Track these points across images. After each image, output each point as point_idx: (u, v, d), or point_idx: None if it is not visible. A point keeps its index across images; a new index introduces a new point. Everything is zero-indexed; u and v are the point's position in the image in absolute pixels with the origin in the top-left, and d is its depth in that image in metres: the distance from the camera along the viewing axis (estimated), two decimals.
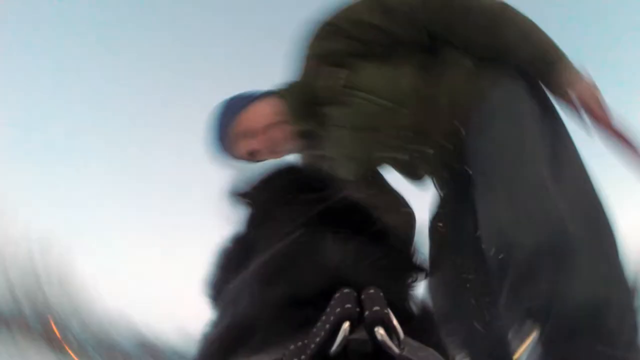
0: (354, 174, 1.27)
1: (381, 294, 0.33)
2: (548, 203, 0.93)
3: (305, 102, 1.19)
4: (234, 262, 0.51)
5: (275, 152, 1.25)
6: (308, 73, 1.20)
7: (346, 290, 0.32)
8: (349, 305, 0.30)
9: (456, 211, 1.25)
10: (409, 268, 0.47)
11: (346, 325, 0.29)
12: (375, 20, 1.11)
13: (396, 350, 0.28)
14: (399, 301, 0.37)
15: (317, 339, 0.29)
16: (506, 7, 1.11)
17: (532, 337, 0.94)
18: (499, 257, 0.93)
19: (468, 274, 1.19)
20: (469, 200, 1.10)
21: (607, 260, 0.92)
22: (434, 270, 1.23)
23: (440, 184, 1.32)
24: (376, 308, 0.30)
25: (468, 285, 1.19)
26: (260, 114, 1.21)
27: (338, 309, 0.30)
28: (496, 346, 1.17)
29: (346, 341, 0.28)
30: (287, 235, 0.46)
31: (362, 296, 0.32)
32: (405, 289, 0.44)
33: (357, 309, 0.31)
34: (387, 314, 0.31)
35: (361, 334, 0.30)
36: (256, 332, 0.35)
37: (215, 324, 0.42)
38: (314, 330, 0.30)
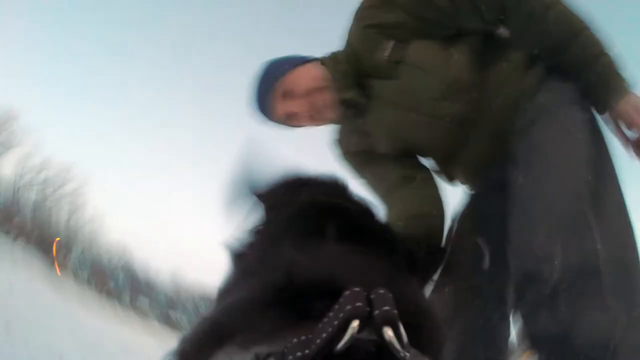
0: (391, 151, 1.24)
1: (390, 295, 0.32)
2: (587, 236, 0.90)
3: (350, 71, 1.17)
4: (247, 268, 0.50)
5: (313, 118, 1.25)
6: (356, 42, 1.17)
7: (357, 289, 0.32)
8: (359, 304, 0.30)
9: (483, 215, 1.20)
10: (413, 272, 0.47)
11: (355, 323, 0.29)
12: None
13: (402, 353, 0.28)
14: (407, 305, 0.36)
15: (324, 335, 0.28)
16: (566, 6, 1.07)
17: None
18: (525, 272, 0.92)
19: (482, 283, 1.16)
20: (500, 205, 1.06)
21: (630, 303, 0.89)
22: (446, 274, 1.18)
23: (472, 182, 1.28)
24: (386, 308, 0.30)
25: (480, 293, 1.16)
26: (303, 77, 1.21)
27: (348, 307, 0.30)
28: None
29: (352, 340, 0.28)
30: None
31: (372, 296, 0.32)
32: (412, 293, 0.43)
33: (368, 309, 0.30)
34: (397, 315, 0.30)
35: (365, 334, 0.30)
36: (253, 318, 0.34)
37: (215, 306, 0.42)
38: (320, 326, 0.29)
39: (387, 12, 1.10)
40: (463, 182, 1.31)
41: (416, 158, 1.29)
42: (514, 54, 1.12)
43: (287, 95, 1.21)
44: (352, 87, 1.18)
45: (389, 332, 0.29)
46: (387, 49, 1.10)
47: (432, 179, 1.27)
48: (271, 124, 1.30)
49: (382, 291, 0.32)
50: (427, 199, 1.20)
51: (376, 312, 0.30)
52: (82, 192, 41.38)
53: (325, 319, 0.30)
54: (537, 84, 1.09)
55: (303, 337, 0.29)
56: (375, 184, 1.30)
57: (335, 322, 0.29)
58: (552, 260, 0.87)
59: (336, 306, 0.30)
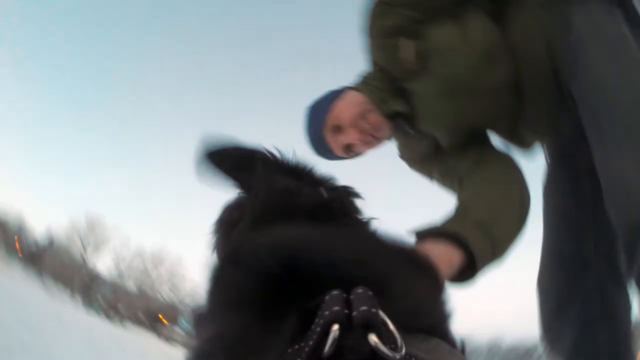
0: (454, 141, 1.23)
1: (370, 292, 0.32)
2: None
3: (383, 85, 1.18)
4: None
5: (368, 143, 1.24)
6: (376, 55, 1.18)
7: (335, 292, 0.32)
8: (336, 308, 0.30)
9: (568, 176, 1.16)
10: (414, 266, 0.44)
11: (335, 327, 0.29)
12: None
13: (390, 354, 0.27)
14: (404, 297, 0.37)
15: (310, 343, 0.29)
16: None
17: None
18: (630, 224, 0.85)
19: (589, 253, 1.10)
20: (583, 159, 1.03)
21: None
22: (547, 250, 1.16)
23: (546, 139, 1.24)
24: (363, 308, 0.30)
25: (589, 266, 1.10)
26: (344, 109, 1.21)
27: (327, 312, 0.30)
28: (618, 341, 1.06)
29: (340, 343, 0.28)
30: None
31: (351, 296, 0.32)
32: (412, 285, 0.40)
33: (346, 311, 0.30)
34: (376, 313, 0.30)
35: (357, 336, 0.29)
36: (253, 331, 0.34)
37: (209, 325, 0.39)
38: (308, 333, 0.30)
39: (390, 16, 1.09)
40: (537, 143, 1.27)
41: (485, 141, 1.26)
42: None
43: (336, 130, 1.21)
44: (391, 99, 1.17)
45: (372, 338, 0.28)
46: (407, 48, 1.09)
47: (504, 157, 1.21)
48: (334, 161, 1.31)
49: (360, 290, 0.32)
50: (493, 181, 1.11)
51: (354, 314, 0.30)
52: (177, 270, 44.43)
53: (312, 326, 0.30)
54: (562, 11, 1.04)
55: (296, 346, 0.29)
56: (446, 182, 1.27)
57: (318, 329, 0.29)
58: None
59: (319, 312, 0.31)
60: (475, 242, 0.87)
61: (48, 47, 75.10)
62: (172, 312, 38.03)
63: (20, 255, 36.14)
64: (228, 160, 0.58)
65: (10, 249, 35.99)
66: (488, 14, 1.09)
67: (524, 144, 1.25)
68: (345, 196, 0.57)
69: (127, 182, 77.31)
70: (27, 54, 71.14)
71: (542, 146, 1.25)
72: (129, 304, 37.54)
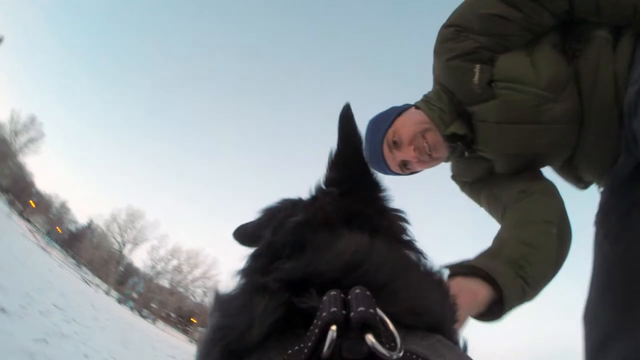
0: (510, 169, 1.23)
1: (368, 292, 0.32)
2: None
3: (446, 106, 1.16)
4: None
5: (424, 162, 1.22)
6: (443, 77, 1.17)
7: (332, 293, 0.32)
8: (334, 309, 0.30)
9: (622, 207, 1.08)
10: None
11: (333, 328, 0.29)
12: (497, 11, 1.06)
13: (388, 354, 0.27)
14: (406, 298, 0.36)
15: (309, 344, 0.29)
16: None
17: None
18: None
19: (638, 285, 1.01)
20: (638, 192, 1.02)
21: None
22: (596, 280, 1.08)
23: (601, 177, 1.20)
24: (361, 309, 0.29)
25: (639, 298, 1.00)
26: (405, 126, 1.20)
27: (324, 313, 0.30)
28: None
29: (338, 344, 0.28)
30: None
31: (349, 297, 0.31)
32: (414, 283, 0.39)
33: (343, 312, 0.30)
34: (374, 314, 0.30)
35: (354, 336, 0.29)
36: (255, 331, 0.33)
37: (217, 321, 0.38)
38: (308, 334, 0.30)
39: (463, 40, 1.08)
40: (593, 180, 1.23)
41: (535, 170, 1.23)
42: (595, 32, 1.05)
43: (394, 145, 1.20)
44: (452, 120, 1.15)
45: (370, 338, 0.28)
46: (475, 73, 1.08)
47: (549, 189, 1.18)
48: (390, 176, 1.29)
49: (357, 290, 0.32)
50: (534, 217, 1.10)
51: (352, 314, 0.29)
52: (212, 274, 43.95)
53: (311, 327, 0.30)
54: (630, 53, 1.02)
55: (296, 347, 0.29)
56: (492, 208, 1.26)
57: (316, 331, 0.29)
58: None
59: (317, 313, 0.30)
60: (505, 280, 0.89)
61: (104, 46, 78.98)
62: (204, 314, 37.10)
63: (61, 243, 36.57)
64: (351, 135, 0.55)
65: (52, 236, 36.67)
66: (558, 48, 1.07)
67: (580, 182, 1.23)
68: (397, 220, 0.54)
69: (172, 182, 79.12)
70: (80, 51, 74.72)
71: (596, 180, 1.21)
72: (161, 301, 37.24)
